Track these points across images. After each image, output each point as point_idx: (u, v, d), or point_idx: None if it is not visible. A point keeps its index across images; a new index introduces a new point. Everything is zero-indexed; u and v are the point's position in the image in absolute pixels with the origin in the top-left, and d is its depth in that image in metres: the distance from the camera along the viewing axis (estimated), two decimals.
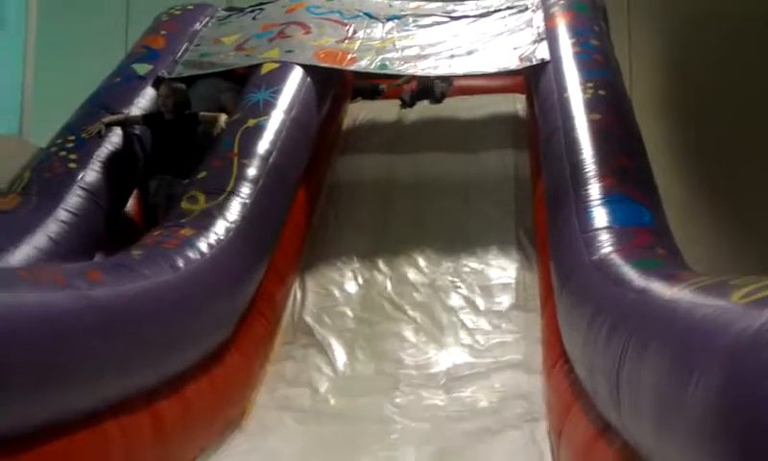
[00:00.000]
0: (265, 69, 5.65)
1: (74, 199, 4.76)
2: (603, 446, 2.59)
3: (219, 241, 4.02)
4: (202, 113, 5.38)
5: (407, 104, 7.33)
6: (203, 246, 3.87)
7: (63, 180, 4.83)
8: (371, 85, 7.66)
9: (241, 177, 4.57)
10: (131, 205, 5.65)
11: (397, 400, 4.12)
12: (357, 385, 4.32)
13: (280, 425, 4.00)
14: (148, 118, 5.41)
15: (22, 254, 4.21)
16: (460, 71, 6.01)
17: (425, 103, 7.36)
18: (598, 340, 2.68)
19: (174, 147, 5.26)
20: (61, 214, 4.62)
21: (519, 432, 3.77)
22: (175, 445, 3.26)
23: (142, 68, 5.83)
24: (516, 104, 7.02)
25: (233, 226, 4.20)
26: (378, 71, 6.08)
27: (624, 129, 4.69)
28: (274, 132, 5.02)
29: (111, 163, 5.09)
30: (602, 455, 2.57)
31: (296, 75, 5.60)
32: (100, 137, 5.12)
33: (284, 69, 5.64)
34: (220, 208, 4.27)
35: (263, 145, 4.87)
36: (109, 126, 5.22)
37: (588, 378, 2.99)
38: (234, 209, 4.32)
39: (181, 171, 5.03)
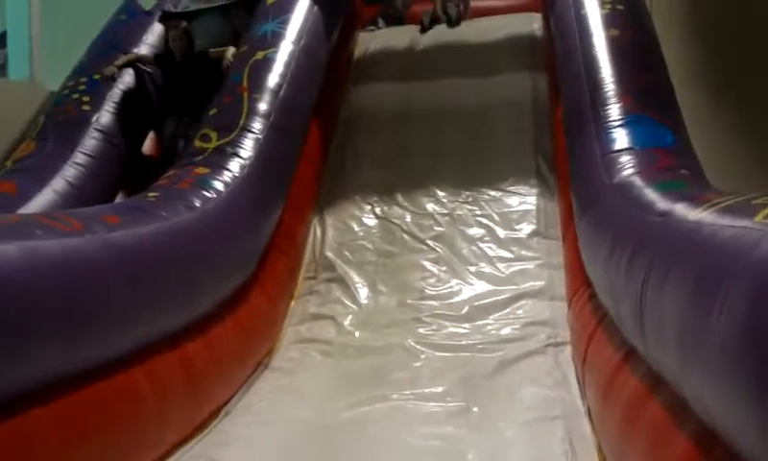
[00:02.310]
0: None
1: (90, 141, 4.76)
2: (627, 371, 2.59)
3: (234, 178, 4.00)
4: (211, 50, 5.30)
5: (426, 27, 7.16)
6: (218, 184, 3.86)
7: (78, 123, 4.83)
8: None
9: (252, 112, 4.50)
10: (148, 146, 5.64)
11: (420, 331, 4.14)
12: (380, 318, 4.34)
13: (308, 361, 4.04)
14: (159, 59, 5.34)
15: (42, 199, 4.24)
16: None
17: (442, 27, 7.17)
18: (621, 265, 2.65)
19: (186, 88, 5.20)
20: (78, 157, 4.63)
21: (543, 358, 3.78)
22: (206, 386, 3.30)
23: (148, 3, 5.74)
24: (532, 23, 6.80)
25: (247, 162, 4.17)
26: None
27: (644, 45, 4.54)
28: (283, 64, 4.91)
29: (125, 104, 5.08)
30: (626, 381, 2.56)
31: (303, 3, 5.42)
32: (114, 81, 5.09)
33: None
34: (233, 145, 4.23)
35: (273, 78, 4.78)
36: (122, 68, 5.18)
37: (611, 304, 2.97)
38: (247, 145, 4.28)
39: (195, 112, 4.98)
